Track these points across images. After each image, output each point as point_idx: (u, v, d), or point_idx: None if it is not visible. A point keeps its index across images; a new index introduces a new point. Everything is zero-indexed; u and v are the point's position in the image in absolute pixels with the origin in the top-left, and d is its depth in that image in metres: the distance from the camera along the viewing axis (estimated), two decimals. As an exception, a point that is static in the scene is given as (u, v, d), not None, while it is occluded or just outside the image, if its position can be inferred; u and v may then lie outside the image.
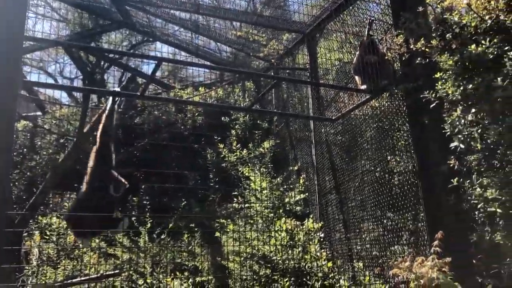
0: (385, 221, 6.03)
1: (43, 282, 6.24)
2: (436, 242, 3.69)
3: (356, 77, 5.61)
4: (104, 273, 6.22)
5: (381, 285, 4.94)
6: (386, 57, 5.16)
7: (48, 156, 10.06)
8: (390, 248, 5.69)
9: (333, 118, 6.10)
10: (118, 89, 6.32)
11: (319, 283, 5.50)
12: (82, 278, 5.93)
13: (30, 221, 7.63)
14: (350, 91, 5.96)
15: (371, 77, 5.25)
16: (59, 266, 7.13)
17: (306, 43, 8.07)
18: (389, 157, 5.90)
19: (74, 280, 5.81)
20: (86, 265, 6.98)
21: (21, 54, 3.19)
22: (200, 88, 10.37)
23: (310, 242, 6.47)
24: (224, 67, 8.02)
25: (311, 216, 7.22)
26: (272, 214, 7.10)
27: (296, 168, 8.72)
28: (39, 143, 10.57)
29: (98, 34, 11.06)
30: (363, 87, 5.45)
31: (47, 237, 7.69)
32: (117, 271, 6.43)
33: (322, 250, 6.45)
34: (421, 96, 4.44)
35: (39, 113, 11.51)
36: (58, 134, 9.53)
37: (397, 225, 5.66)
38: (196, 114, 10.12)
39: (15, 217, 6.74)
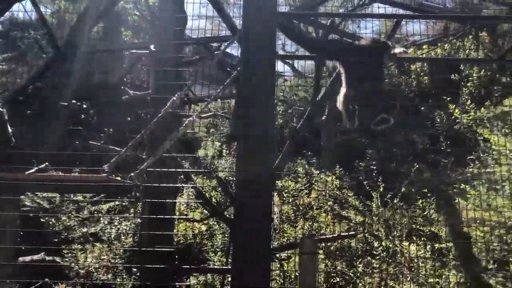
0: None
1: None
2: None
3: None
4: (342, 234, 6.52)
5: None
6: None
7: (279, 125, 11.00)
8: None
9: None
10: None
11: None
12: (321, 237, 6.34)
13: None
14: None
15: None
16: (297, 225, 7.78)
17: None
18: None
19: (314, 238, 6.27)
20: (321, 226, 7.44)
21: (275, 28, 3.49)
22: (424, 47, 9.68)
23: None
24: (451, 14, 7.22)
25: None
26: (523, 180, 6.24)
27: (552, 127, 7.41)
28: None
29: (316, 6, 11.34)
30: None
31: (284, 199, 8.47)
32: (352, 232, 6.66)
33: None
34: None
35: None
36: (287, 104, 10.29)
37: None
38: (421, 74, 9.55)
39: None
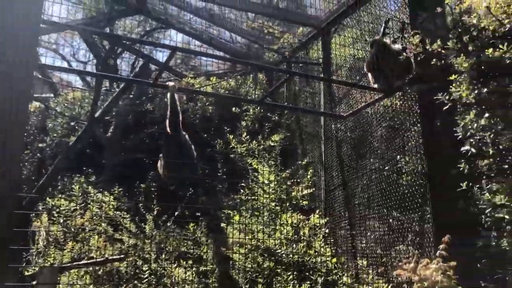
0: (390, 220, 6.03)
1: (49, 265, 6.31)
2: (442, 246, 3.69)
3: (369, 75, 5.58)
4: (109, 257, 6.28)
5: (384, 284, 4.95)
6: (400, 57, 5.12)
7: (59, 138, 10.16)
8: (394, 248, 5.69)
9: (344, 115, 6.08)
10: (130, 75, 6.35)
11: (321, 279, 5.52)
12: (88, 261, 6.00)
13: (39, 202, 7.71)
14: (363, 89, 5.92)
15: (385, 76, 5.22)
16: (65, 248, 7.20)
17: (321, 38, 8.03)
18: (398, 157, 5.88)
19: (79, 263, 5.89)
20: (91, 249, 7.04)
21: (37, 36, 3.22)
22: (212, 78, 10.36)
23: (315, 238, 6.49)
24: (237, 59, 7.98)
25: (316, 211, 7.23)
26: (278, 208, 7.12)
27: (304, 163, 8.72)
28: (50, 125, 10.66)
29: (112, 19, 11.05)
30: (376, 85, 5.42)
31: (54, 219, 7.78)
32: (122, 255, 6.49)
33: (326, 246, 6.47)
34: (435, 98, 4.41)
35: (51, 95, 11.59)
36: (69, 117, 9.58)
37: (403, 225, 5.65)
38: (207, 103, 10.13)
39: (24, 198, 6.81)
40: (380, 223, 6.20)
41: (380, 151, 6.51)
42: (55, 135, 10.28)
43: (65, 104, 10.75)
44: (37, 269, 4.72)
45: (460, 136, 4.15)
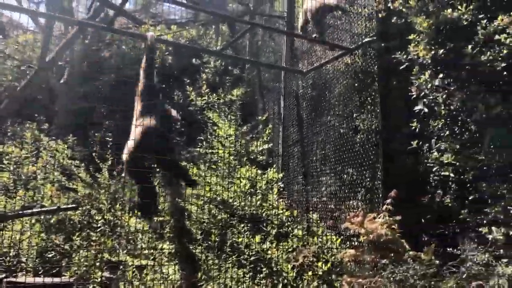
0: (344, 176, 6.17)
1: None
2: (388, 200, 3.82)
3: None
4: (62, 206, 6.16)
5: (334, 237, 5.13)
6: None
7: (8, 82, 9.62)
8: (346, 203, 5.86)
9: (305, 70, 6.04)
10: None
11: (274, 231, 5.65)
12: (39, 210, 5.86)
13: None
14: (324, 45, 5.85)
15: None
16: (15, 196, 7.00)
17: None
18: (355, 115, 5.95)
19: (30, 211, 5.74)
20: (43, 197, 6.88)
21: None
22: (172, 27, 9.98)
23: (270, 191, 6.58)
24: (200, 8, 7.62)
25: (273, 166, 7.31)
26: (235, 162, 7.13)
27: (263, 118, 8.71)
28: (-2, 68, 10.06)
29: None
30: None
31: (4, 166, 7.52)
32: (74, 205, 6.37)
33: (281, 200, 6.59)
34: (393, 56, 4.44)
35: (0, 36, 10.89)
36: (19, 61, 9.05)
37: (355, 181, 5.80)
38: (166, 53, 9.81)
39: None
40: (334, 179, 6.35)
41: (338, 108, 6.56)
42: (4, 78, 9.73)
43: (16, 47, 10.13)
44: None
45: (414, 96, 4.22)
